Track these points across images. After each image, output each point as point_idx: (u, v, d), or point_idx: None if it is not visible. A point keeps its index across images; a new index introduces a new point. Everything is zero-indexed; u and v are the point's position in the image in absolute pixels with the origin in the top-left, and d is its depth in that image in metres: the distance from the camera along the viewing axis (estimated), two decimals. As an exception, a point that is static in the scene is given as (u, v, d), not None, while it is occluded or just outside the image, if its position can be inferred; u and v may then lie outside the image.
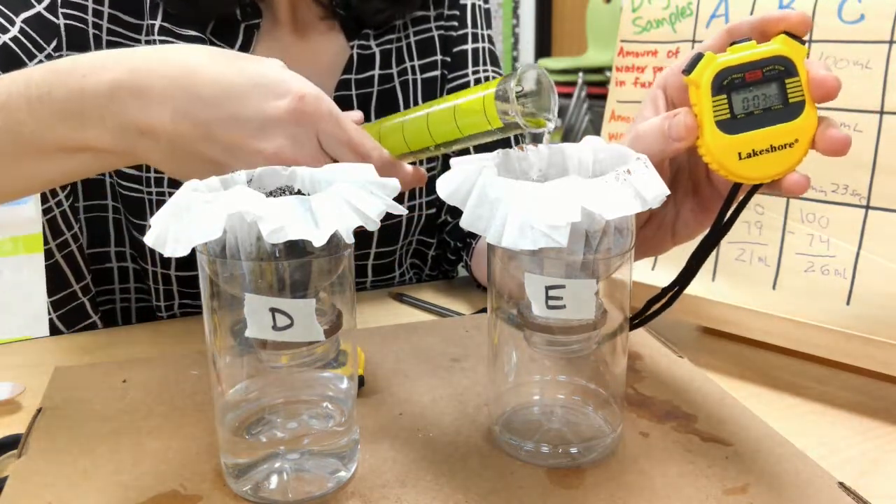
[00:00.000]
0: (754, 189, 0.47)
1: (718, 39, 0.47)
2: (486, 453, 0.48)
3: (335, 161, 0.52)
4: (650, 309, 0.53)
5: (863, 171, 0.59)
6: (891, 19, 0.58)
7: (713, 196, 0.51)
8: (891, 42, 0.58)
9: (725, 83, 0.45)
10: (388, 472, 0.46)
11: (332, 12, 0.83)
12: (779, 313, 0.63)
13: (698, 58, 0.45)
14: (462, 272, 0.94)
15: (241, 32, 0.78)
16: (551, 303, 0.42)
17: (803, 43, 0.45)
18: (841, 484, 0.45)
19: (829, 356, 0.61)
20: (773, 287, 0.64)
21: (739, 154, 0.45)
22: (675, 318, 0.72)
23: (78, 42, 0.73)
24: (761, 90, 0.45)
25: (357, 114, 0.57)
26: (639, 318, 0.54)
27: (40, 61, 0.71)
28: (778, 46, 0.44)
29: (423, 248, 0.93)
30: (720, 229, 0.49)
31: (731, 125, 0.45)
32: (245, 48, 0.78)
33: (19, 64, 0.70)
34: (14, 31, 0.70)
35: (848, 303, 0.60)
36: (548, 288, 0.42)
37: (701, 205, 0.52)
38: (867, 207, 0.59)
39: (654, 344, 0.63)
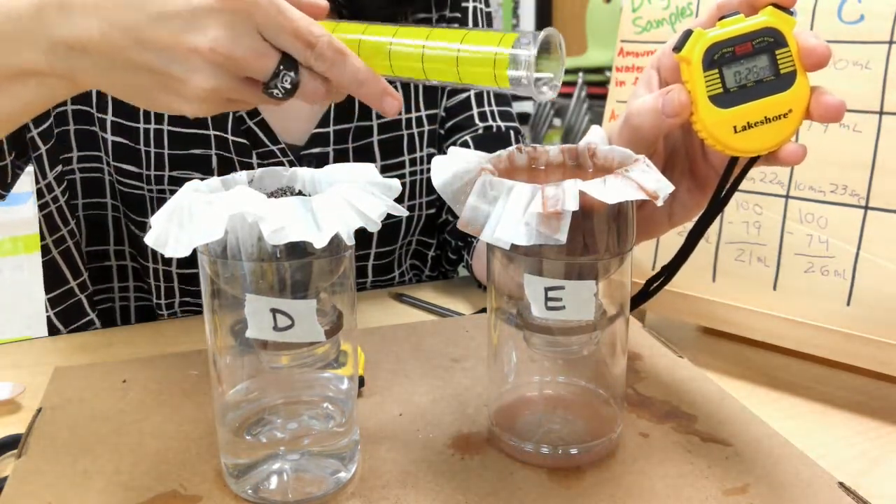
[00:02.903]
0: (751, 162, 0.48)
1: (708, 15, 0.48)
2: (486, 453, 0.48)
3: (281, 53, 0.47)
4: (650, 288, 0.54)
5: (862, 171, 0.59)
6: (890, 19, 0.58)
7: (710, 174, 0.51)
8: (890, 42, 0.58)
9: (716, 58, 0.45)
10: (388, 472, 0.46)
11: (335, 10, 0.83)
12: (779, 313, 0.63)
13: (688, 34, 0.46)
14: (462, 272, 0.94)
15: None
16: (551, 304, 0.42)
17: (791, 13, 0.45)
18: (841, 484, 0.45)
19: (830, 356, 0.61)
20: (774, 287, 0.64)
21: (734, 128, 0.45)
22: (675, 318, 0.72)
23: None
24: (752, 63, 0.45)
25: (322, 1, 0.51)
26: (640, 297, 0.54)
27: None
28: (766, 18, 0.45)
29: (422, 249, 0.93)
30: (718, 204, 0.50)
31: (724, 99, 0.45)
32: None
33: None
34: None
35: (848, 303, 0.60)
36: (547, 289, 0.42)
37: (697, 184, 0.52)
38: (866, 208, 0.59)
39: (654, 344, 0.63)
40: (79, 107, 0.75)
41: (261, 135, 0.78)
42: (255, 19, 0.45)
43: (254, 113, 0.77)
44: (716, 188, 0.49)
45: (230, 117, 0.76)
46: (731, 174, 0.49)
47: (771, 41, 0.45)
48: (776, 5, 0.45)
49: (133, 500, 0.44)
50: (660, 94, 0.47)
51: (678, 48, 0.46)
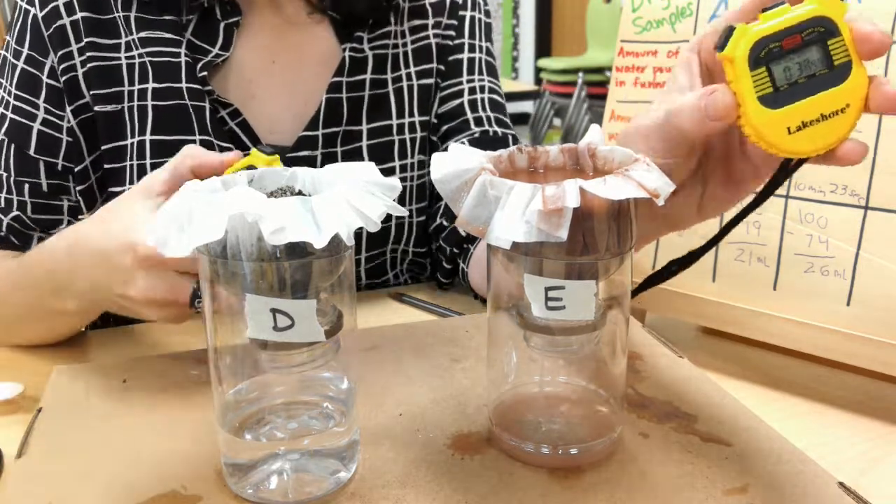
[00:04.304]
0: (799, 163, 0.45)
1: (748, 7, 0.44)
2: (486, 453, 0.48)
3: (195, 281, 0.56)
4: (658, 276, 0.55)
5: (862, 171, 0.59)
6: (890, 19, 0.58)
7: (745, 169, 0.49)
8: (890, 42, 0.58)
9: (763, 54, 0.41)
10: (388, 472, 0.46)
11: (320, 9, 0.82)
12: (779, 313, 0.63)
13: (730, 31, 0.42)
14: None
15: (220, 32, 0.77)
16: (551, 304, 0.42)
17: None
18: (841, 484, 0.45)
19: (830, 356, 0.61)
20: (774, 288, 0.64)
21: (788, 128, 0.42)
22: (675, 318, 0.72)
23: (74, 87, 0.76)
24: (803, 56, 0.41)
25: (232, 155, 0.61)
26: (642, 286, 0.55)
27: (69, 127, 0.76)
28: (814, 6, 0.41)
29: (419, 259, 0.91)
30: (752, 205, 0.49)
31: (775, 99, 0.42)
32: (226, 47, 0.77)
33: (53, 144, 0.76)
34: (41, 115, 0.76)
35: (848, 303, 0.60)
36: (547, 289, 0.42)
37: (731, 178, 0.50)
38: (866, 208, 0.59)
39: (654, 344, 0.63)
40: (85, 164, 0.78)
41: (242, 136, 0.78)
42: (165, 266, 0.56)
43: (235, 114, 0.77)
44: (761, 191, 0.47)
45: (210, 120, 0.76)
46: (787, 176, 0.46)
47: (822, 31, 0.41)
48: None
49: (133, 500, 0.44)
50: (703, 93, 0.44)
51: (721, 47, 0.42)
